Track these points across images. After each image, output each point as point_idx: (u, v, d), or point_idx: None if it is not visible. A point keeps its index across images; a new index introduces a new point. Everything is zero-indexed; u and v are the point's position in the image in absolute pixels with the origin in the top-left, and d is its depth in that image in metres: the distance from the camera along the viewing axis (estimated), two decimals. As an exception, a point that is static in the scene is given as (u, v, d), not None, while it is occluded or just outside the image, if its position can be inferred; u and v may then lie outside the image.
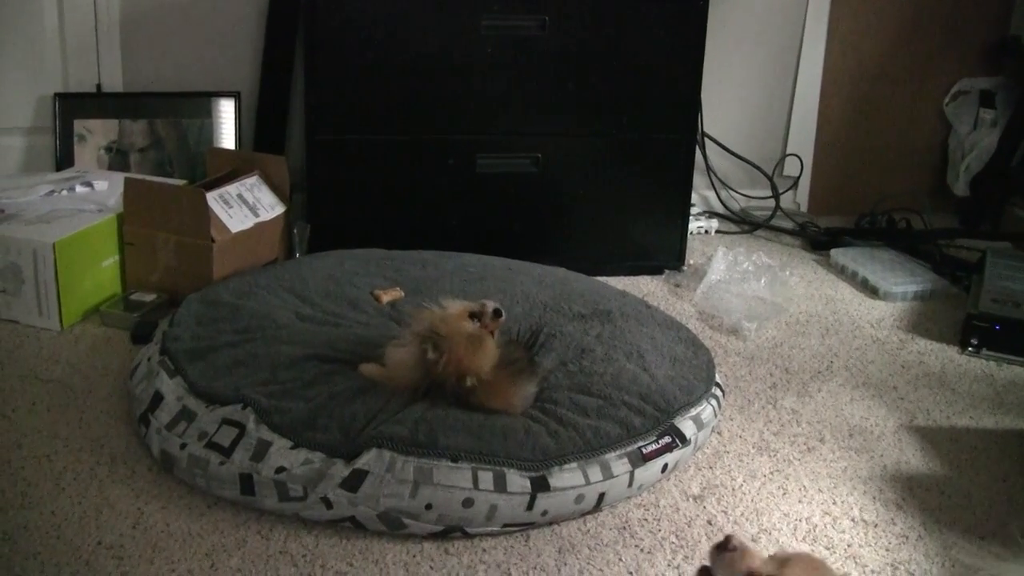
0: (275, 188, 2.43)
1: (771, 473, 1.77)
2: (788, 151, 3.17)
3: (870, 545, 1.59)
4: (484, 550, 1.52)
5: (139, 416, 1.71)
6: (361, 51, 2.39)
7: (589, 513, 1.61)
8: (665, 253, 2.68)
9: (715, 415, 1.83)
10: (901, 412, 2.01)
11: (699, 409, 1.78)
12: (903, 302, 2.58)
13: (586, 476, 1.57)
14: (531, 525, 1.56)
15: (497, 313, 1.68)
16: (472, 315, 1.67)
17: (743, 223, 3.11)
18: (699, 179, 3.01)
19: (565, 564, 1.50)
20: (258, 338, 1.84)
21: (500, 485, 1.51)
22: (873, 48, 3.14)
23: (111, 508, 1.56)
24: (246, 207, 2.32)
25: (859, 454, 1.85)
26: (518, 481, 1.52)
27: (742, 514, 1.65)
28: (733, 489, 1.72)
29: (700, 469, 1.77)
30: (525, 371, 1.73)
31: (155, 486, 1.61)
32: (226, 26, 2.74)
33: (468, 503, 1.50)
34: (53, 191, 2.37)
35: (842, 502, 1.70)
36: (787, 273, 2.57)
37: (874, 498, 1.72)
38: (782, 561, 1.16)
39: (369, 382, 1.69)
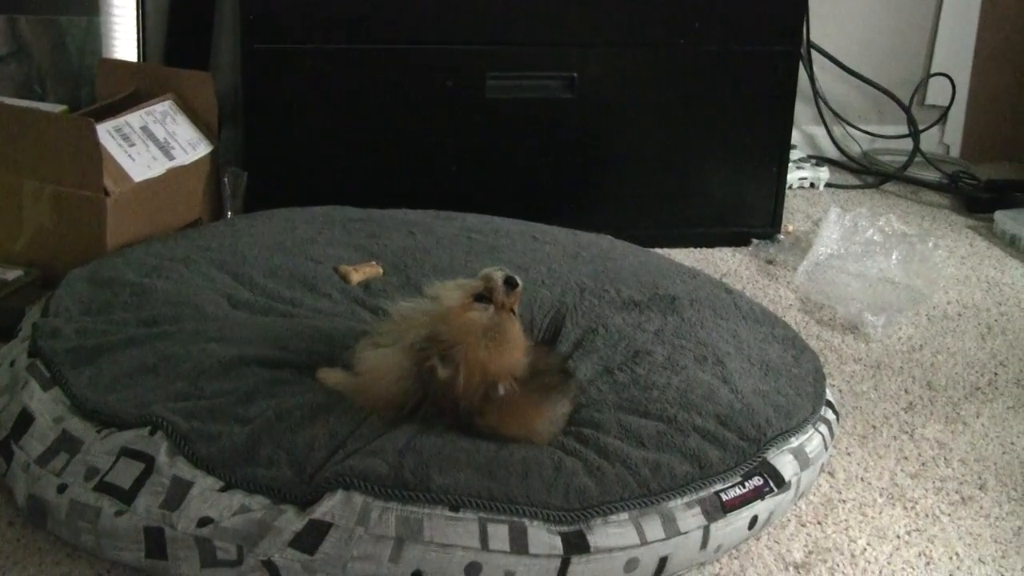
0: (197, 119, 2.44)
1: (908, 533, 1.77)
2: (933, 70, 3.16)
3: (1050, 637, 1.59)
4: (496, 637, 1.52)
5: (-2, 445, 1.71)
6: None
7: (646, 586, 1.62)
8: (753, 215, 2.69)
9: (825, 448, 1.83)
10: (1095, 446, 2.01)
11: (802, 439, 1.78)
12: (1097, 288, 2.58)
13: (641, 532, 1.57)
14: (563, 602, 1.56)
15: (510, 283, 1.66)
16: (478, 297, 1.66)
17: (866, 173, 3.10)
18: (803, 110, 3.00)
19: (612, 659, 1.51)
20: (173, 333, 1.84)
21: (519, 544, 1.51)
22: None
23: (-48, 579, 1.56)
24: (155, 145, 2.32)
25: (1035, 506, 1.85)
26: (545, 538, 1.52)
27: (866, 590, 1.65)
28: (853, 555, 1.71)
29: (804, 525, 1.77)
30: (554, 383, 1.72)
31: (19, 548, 1.60)
32: None
33: (474, 569, 1.50)
34: None
35: None
36: (930, 245, 2.56)
37: (1056, 569, 1.72)
38: None
39: (332, 396, 1.69)
